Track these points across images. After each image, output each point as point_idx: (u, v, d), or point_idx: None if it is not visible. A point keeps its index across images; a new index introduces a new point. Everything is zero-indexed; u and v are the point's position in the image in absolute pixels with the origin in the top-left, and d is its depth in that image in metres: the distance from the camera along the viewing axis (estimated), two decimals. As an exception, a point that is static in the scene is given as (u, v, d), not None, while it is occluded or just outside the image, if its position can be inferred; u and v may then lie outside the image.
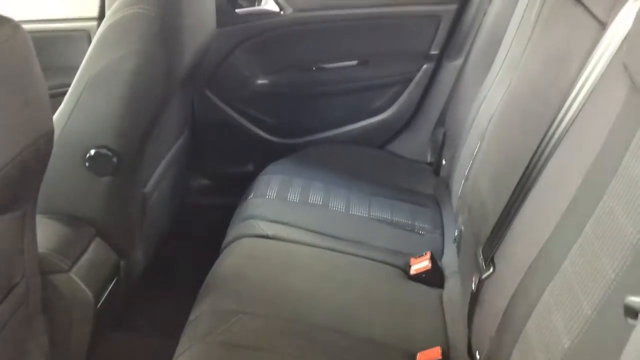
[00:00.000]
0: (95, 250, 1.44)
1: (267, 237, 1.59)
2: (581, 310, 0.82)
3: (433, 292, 1.51)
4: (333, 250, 1.59)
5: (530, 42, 1.42)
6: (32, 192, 1.12)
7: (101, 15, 1.86)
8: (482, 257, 1.21)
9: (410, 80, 2.21)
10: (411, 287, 1.52)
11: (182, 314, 1.40)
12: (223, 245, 1.62)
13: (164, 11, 1.40)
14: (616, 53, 0.97)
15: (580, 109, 1.02)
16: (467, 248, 1.42)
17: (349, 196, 1.82)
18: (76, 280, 1.34)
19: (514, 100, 1.43)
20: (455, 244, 1.58)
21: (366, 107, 2.28)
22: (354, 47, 2.19)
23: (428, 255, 1.57)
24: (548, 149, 1.09)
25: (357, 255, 1.59)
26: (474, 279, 1.24)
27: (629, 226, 0.78)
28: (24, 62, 0.99)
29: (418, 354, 1.29)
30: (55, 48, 1.89)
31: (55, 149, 1.15)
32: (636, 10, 0.92)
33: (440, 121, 2.19)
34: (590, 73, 1.01)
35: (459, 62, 2.14)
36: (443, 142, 2.07)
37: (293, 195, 1.77)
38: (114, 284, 1.49)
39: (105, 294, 1.44)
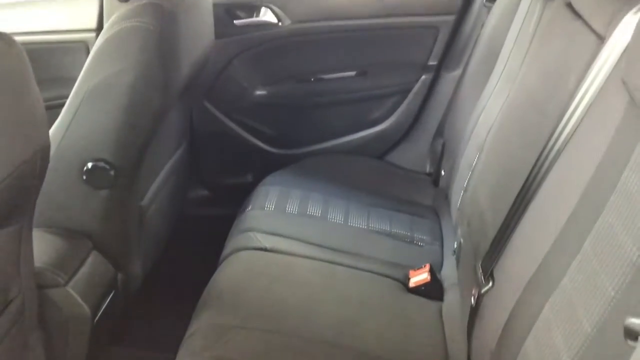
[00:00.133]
0: (92, 264, 1.43)
1: (265, 249, 1.59)
2: (581, 327, 0.81)
3: (432, 305, 1.50)
4: (332, 262, 1.58)
5: (529, 55, 1.42)
6: (28, 207, 1.12)
7: (99, 27, 1.85)
8: (481, 271, 1.21)
9: (408, 90, 2.22)
10: (410, 300, 1.51)
11: (179, 327, 1.39)
12: (221, 258, 1.61)
13: (162, 24, 1.40)
14: (614, 67, 0.97)
15: (579, 123, 1.02)
16: (466, 261, 1.41)
17: (347, 207, 1.81)
18: (73, 294, 1.33)
19: (512, 112, 1.43)
20: (455, 256, 1.57)
21: (365, 117, 2.28)
22: (353, 58, 2.19)
23: (427, 267, 1.56)
24: (547, 163, 1.08)
25: (355, 268, 1.58)
26: (473, 293, 1.23)
27: (629, 243, 0.77)
28: (19, 78, 0.98)
29: (417, 368, 1.29)
30: (53, 59, 1.89)
31: (52, 162, 1.14)
32: (634, 24, 0.92)
33: (439, 132, 2.19)
34: (588, 87, 1.01)
35: (457, 72, 2.15)
36: (442, 153, 2.07)
37: (291, 207, 1.77)
38: (111, 298, 1.48)
39: (103, 308, 1.43)
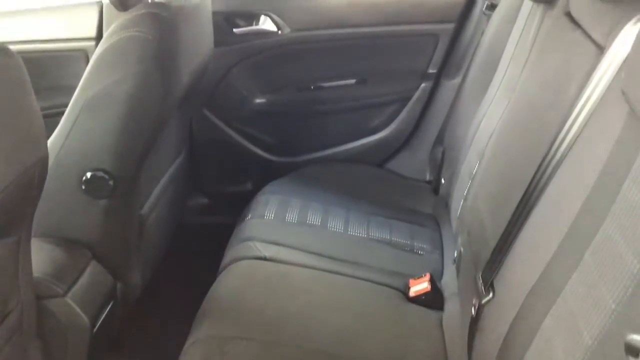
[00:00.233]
0: (91, 274, 1.43)
1: (265, 259, 1.58)
2: (582, 339, 0.81)
3: (432, 314, 1.50)
4: (332, 272, 1.58)
5: (528, 63, 1.42)
6: (26, 218, 1.11)
7: (99, 36, 1.86)
8: (481, 281, 1.20)
9: (408, 98, 2.22)
10: (410, 310, 1.50)
11: (179, 337, 1.39)
12: (220, 267, 1.60)
13: (161, 34, 1.40)
14: (614, 78, 0.96)
15: (579, 134, 1.01)
16: (466, 271, 1.41)
17: (347, 216, 1.81)
18: (72, 305, 1.33)
19: (512, 120, 1.43)
20: (455, 264, 1.56)
21: (365, 125, 2.28)
22: (352, 65, 2.19)
23: (427, 276, 1.56)
24: (547, 173, 1.08)
25: (355, 277, 1.57)
26: (473, 303, 1.23)
27: (629, 255, 0.76)
28: (17, 90, 0.98)
29: (418, 379, 1.28)
30: (53, 68, 1.90)
31: (51, 172, 1.14)
32: (634, 34, 0.92)
33: (439, 139, 2.19)
34: (589, 97, 1.00)
35: (457, 80, 2.15)
36: (442, 161, 2.06)
37: (291, 216, 1.76)
38: (110, 308, 1.48)
39: (102, 318, 1.43)
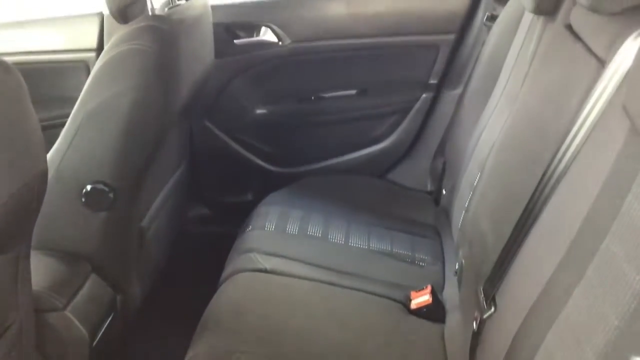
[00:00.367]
0: (91, 287, 1.42)
1: (265, 271, 1.58)
2: (585, 356, 0.80)
3: (434, 327, 1.49)
4: (332, 284, 1.57)
5: (529, 76, 1.42)
6: (26, 233, 1.11)
7: (100, 47, 1.86)
8: (483, 295, 1.19)
9: (409, 109, 2.22)
10: (411, 322, 1.49)
11: (179, 350, 1.38)
12: (221, 279, 1.60)
13: (160, 46, 1.40)
14: (616, 92, 0.96)
15: (580, 148, 1.01)
16: (468, 283, 1.40)
17: (348, 227, 1.80)
18: (71, 318, 1.32)
19: (513, 133, 1.42)
20: (456, 277, 1.56)
21: (365, 136, 2.28)
22: (353, 76, 2.19)
23: (429, 289, 1.55)
24: (548, 187, 1.07)
25: (356, 289, 1.57)
26: (475, 317, 1.22)
27: (632, 271, 0.76)
28: (16, 104, 0.98)
29: (419, 393, 1.27)
30: (54, 79, 1.90)
31: (51, 184, 1.14)
32: (635, 49, 0.91)
33: (440, 150, 2.19)
34: (590, 111, 1.00)
35: (458, 91, 2.15)
36: (443, 172, 2.06)
37: (292, 227, 1.76)
38: (110, 321, 1.47)
39: (101, 331, 1.42)
